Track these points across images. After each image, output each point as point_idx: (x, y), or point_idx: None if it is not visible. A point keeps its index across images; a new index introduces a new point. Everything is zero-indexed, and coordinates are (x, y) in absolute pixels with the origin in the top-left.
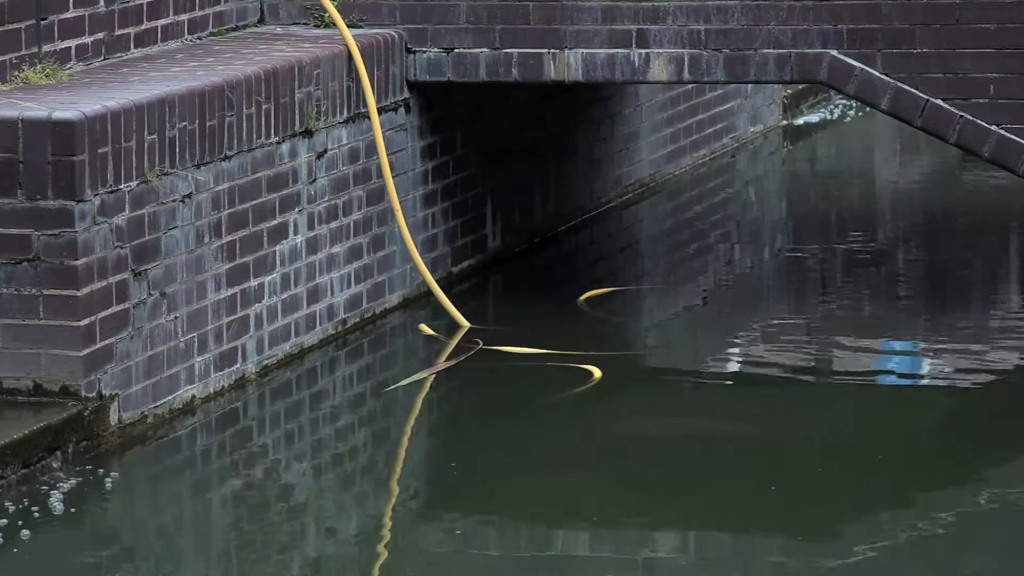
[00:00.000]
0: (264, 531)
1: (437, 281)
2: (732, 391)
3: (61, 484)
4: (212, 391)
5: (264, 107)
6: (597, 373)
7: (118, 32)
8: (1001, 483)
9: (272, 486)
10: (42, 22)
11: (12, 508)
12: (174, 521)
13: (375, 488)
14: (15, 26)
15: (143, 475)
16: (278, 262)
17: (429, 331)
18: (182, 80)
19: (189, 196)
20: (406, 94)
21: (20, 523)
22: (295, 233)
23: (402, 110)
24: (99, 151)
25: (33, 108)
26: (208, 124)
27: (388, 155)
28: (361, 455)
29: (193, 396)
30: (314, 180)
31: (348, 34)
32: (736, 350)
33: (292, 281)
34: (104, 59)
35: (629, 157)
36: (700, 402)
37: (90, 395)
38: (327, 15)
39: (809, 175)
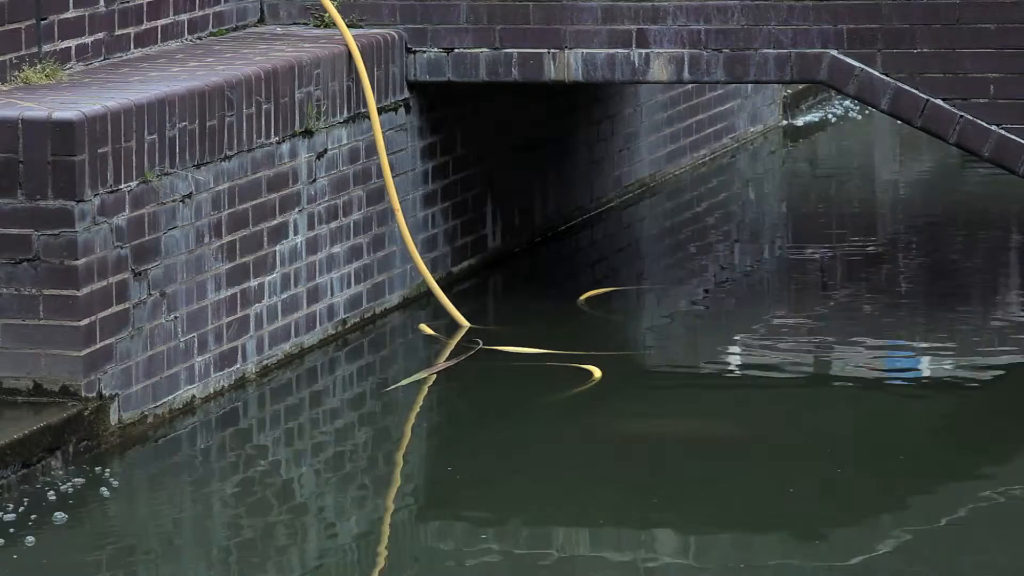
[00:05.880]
0: (264, 531)
1: (437, 281)
2: (732, 391)
3: (61, 484)
4: (212, 391)
5: (264, 107)
6: (597, 373)
7: (118, 32)
8: (1001, 483)
9: (272, 486)
10: (42, 22)
11: (12, 508)
12: (174, 521)
13: (375, 488)
14: (15, 26)
15: (143, 475)
16: (278, 262)
17: (429, 331)
18: (182, 80)
19: (189, 196)
20: (406, 94)
21: (20, 524)
22: (295, 233)
23: (402, 110)
24: (99, 151)
25: (33, 108)
26: (208, 124)
27: (388, 155)
28: (361, 455)
29: (193, 396)
30: (314, 180)
31: (348, 34)
32: (736, 350)
33: (292, 281)
34: (104, 59)
35: (629, 157)
36: (700, 402)
37: (90, 395)
38: (327, 15)
39: (809, 175)
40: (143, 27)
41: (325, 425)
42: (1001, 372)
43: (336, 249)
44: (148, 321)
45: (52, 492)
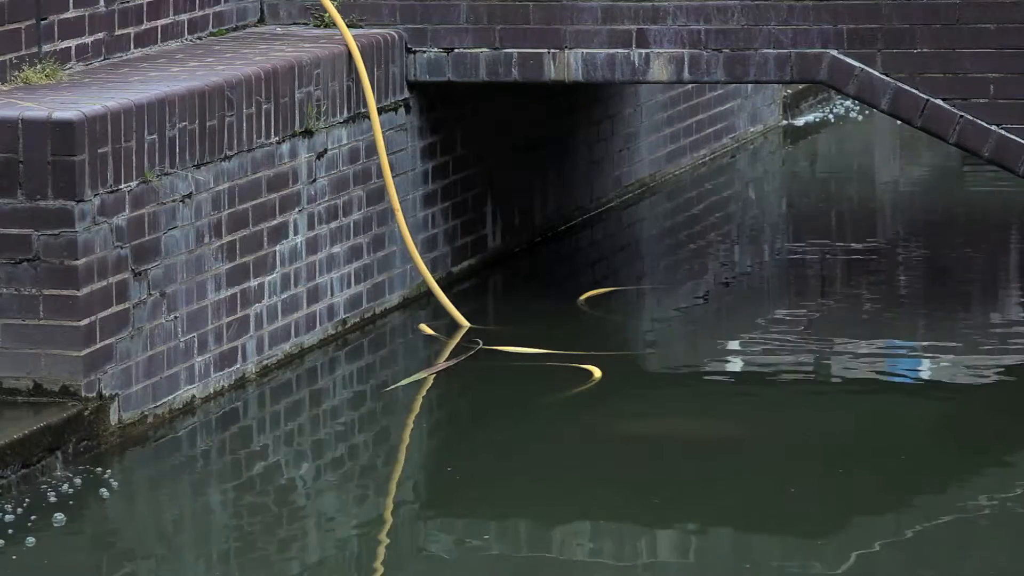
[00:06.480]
0: (264, 531)
1: (437, 281)
2: (732, 391)
3: (61, 484)
4: (212, 391)
5: (264, 107)
6: (597, 373)
7: (118, 32)
8: (1001, 483)
9: (272, 486)
10: (42, 22)
11: (12, 508)
12: (174, 521)
13: (375, 488)
14: (15, 26)
15: (143, 475)
16: (278, 262)
17: (429, 331)
18: (182, 80)
19: (189, 196)
20: (406, 94)
21: (20, 524)
22: (295, 233)
23: (402, 110)
24: (99, 151)
25: (33, 108)
26: (208, 124)
27: (388, 155)
28: (361, 455)
29: (193, 396)
30: (314, 180)
31: (348, 34)
32: (736, 350)
33: (292, 281)
34: (104, 59)
35: (629, 157)
36: (700, 402)
37: (90, 395)
38: (327, 15)
39: (809, 175)
40: (143, 27)
41: (325, 425)
42: (1001, 372)
43: (336, 249)
44: (148, 321)
45: (52, 493)
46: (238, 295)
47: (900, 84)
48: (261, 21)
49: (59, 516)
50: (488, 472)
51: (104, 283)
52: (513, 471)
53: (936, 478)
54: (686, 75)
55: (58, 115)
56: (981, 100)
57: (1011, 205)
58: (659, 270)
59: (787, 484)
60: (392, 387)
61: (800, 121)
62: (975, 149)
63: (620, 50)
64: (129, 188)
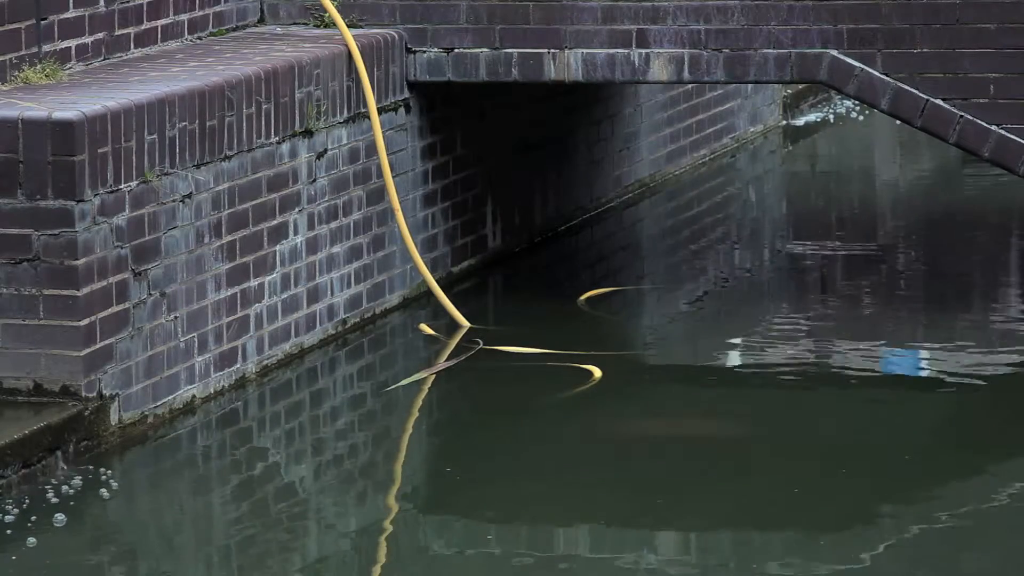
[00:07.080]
0: (264, 531)
1: (437, 281)
2: (732, 391)
3: (61, 484)
4: (212, 391)
5: (264, 107)
6: (597, 373)
7: (118, 32)
8: (1001, 483)
9: (272, 486)
10: (42, 22)
11: (12, 508)
12: (174, 521)
13: (375, 488)
14: (15, 26)
15: (143, 475)
16: (278, 262)
17: (429, 331)
18: (182, 80)
19: (189, 196)
20: (406, 94)
21: (20, 524)
22: (295, 233)
23: (402, 110)
24: (99, 151)
25: (33, 108)
26: (208, 124)
27: (388, 155)
28: (361, 455)
29: (193, 396)
30: (314, 180)
31: (348, 34)
32: (736, 350)
33: (292, 281)
34: (104, 59)
35: (629, 157)
36: (700, 402)
37: (90, 395)
38: (327, 15)
39: (809, 175)
40: (143, 27)
41: (325, 425)
42: (1001, 372)
43: (336, 249)
44: (148, 321)
45: (52, 492)
46: (238, 295)
47: (900, 84)
48: (261, 21)
49: (59, 516)
50: (488, 472)
51: (104, 283)
52: (513, 471)
53: (936, 478)
54: (686, 75)
55: (58, 115)
56: (981, 100)
57: (1011, 205)
58: (659, 270)
59: (788, 484)
60: (392, 387)
61: (800, 121)
62: (975, 149)
63: (620, 50)
64: (129, 188)
